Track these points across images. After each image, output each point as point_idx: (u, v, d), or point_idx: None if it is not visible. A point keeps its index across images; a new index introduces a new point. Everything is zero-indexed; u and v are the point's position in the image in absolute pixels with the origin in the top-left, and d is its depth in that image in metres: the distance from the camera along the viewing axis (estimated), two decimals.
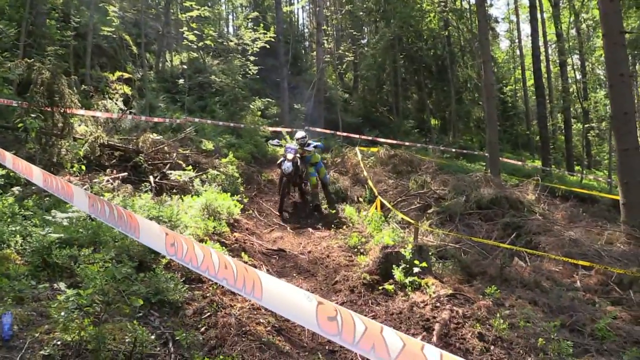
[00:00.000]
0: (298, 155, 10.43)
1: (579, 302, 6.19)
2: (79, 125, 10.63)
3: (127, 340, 3.55)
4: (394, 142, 20.71)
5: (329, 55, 28.39)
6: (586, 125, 33.33)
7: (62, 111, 8.53)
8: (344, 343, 2.22)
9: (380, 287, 5.62)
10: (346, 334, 2.18)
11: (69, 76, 9.97)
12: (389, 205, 9.65)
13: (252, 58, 20.63)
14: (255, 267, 6.12)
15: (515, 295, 6.17)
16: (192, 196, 7.98)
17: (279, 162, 10.59)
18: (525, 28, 41.62)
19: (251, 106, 19.65)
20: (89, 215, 5.51)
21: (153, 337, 3.81)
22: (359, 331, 2.13)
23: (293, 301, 2.46)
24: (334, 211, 10.36)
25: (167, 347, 3.71)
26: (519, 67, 41.20)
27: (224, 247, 6.24)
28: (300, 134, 11.24)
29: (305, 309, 2.38)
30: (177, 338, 3.65)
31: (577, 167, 30.28)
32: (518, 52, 43.39)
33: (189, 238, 3.29)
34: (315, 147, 10.84)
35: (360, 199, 11.49)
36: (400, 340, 2.00)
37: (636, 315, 5.91)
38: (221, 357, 3.31)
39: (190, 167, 9.75)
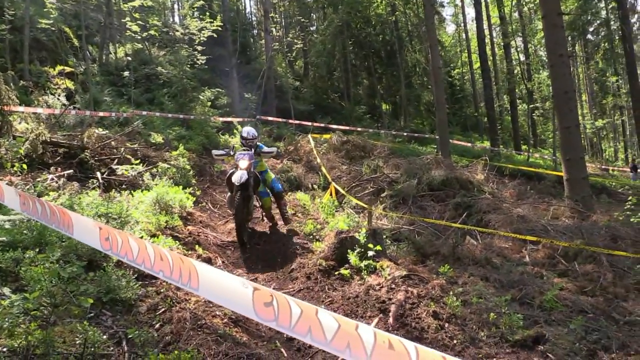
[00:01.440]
0: (253, 160, 7.68)
1: (528, 276, 6.41)
2: (19, 123, 10.21)
3: (77, 342, 3.45)
4: (347, 128, 20.83)
5: (277, 43, 28.13)
6: (531, 106, 34.35)
7: None
8: (280, 328, 2.22)
9: (336, 273, 5.65)
10: (283, 318, 2.18)
11: (5, 72, 9.55)
12: (342, 191, 9.71)
13: (199, 48, 20.19)
14: (210, 259, 6.09)
15: (467, 272, 6.33)
16: (142, 191, 7.79)
17: (227, 175, 7.80)
18: (470, 12, 42.50)
19: (200, 97, 19.28)
20: None
21: (105, 336, 3.71)
22: (295, 315, 2.13)
23: (229, 289, 2.45)
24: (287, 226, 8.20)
25: (121, 346, 3.62)
26: (466, 51, 42.10)
27: (177, 241, 6.14)
28: (248, 131, 8.10)
29: (241, 296, 2.37)
30: (131, 336, 3.56)
31: (523, 146, 31.26)
32: (464, 36, 44.33)
33: (123, 232, 3.23)
34: (266, 152, 8.14)
35: (315, 186, 11.51)
36: (335, 321, 2.02)
37: (581, 286, 6.16)
38: (176, 352, 3.26)
39: (139, 161, 9.51)
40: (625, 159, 39.19)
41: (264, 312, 2.27)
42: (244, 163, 7.48)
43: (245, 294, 2.35)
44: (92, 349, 3.43)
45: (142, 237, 5.46)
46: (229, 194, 8.01)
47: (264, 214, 8.55)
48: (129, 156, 9.91)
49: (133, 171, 8.73)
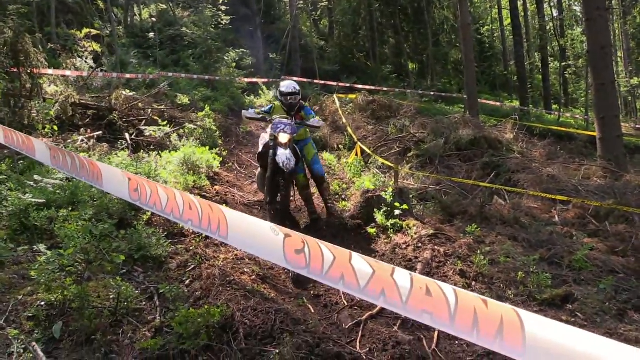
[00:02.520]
0: (295, 134, 5.94)
1: (557, 235, 6.33)
2: (49, 86, 10.32)
3: (111, 297, 3.56)
4: (373, 88, 20.56)
5: (302, 2, 27.66)
6: (563, 64, 33.35)
7: (29, 71, 8.25)
8: (312, 275, 2.16)
9: (362, 231, 5.68)
10: (314, 265, 2.11)
11: (34, 35, 9.60)
12: (368, 151, 9.65)
13: (223, 8, 20.03)
14: None
15: (495, 232, 6.28)
16: (170, 152, 7.87)
17: (261, 149, 6.03)
18: None
19: (225, 58, 19.22)
20: (67, 178, 5.43)
21: (138, 292, 3.82)
22: (327, 261, 2.06)
23: (260, 236, 2.38)
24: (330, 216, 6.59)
25: (153, 301, 3.73)
26: (496, 6, 40.71)
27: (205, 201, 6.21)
28: (288, 85, 6.43)
29: (272, 243, 2.29)
30: (162, 291, 3.66)
31: (554, 106, 30.48)
32: None
33: (152, 181, 3.22)
34: (313, 125, 6.28)
35: (340, 147, 11.46)
36: (369, 267, 1.94)
37: (612, 246, 6.07)
38: (206, 307, 3.33)
39: (165, 122, 9.58)
40: None
41: (295, 260, 2.20)
42: (284, 137, 5.62)
43: (276, 241, 2.27)
44: (125, 304, 3.54)
45: None
46: (259, 170, 6.39)
47: (299, 196, 6.72)
48: (156, 117, 9.97)
49: (160, 132, 8.79)
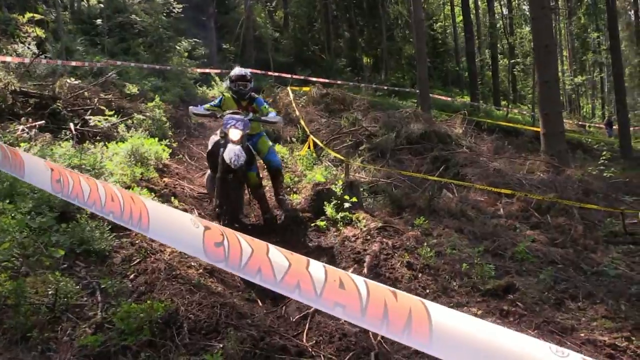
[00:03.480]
0: (248, 130, 5.53)
1: (501, 228, 6.53)
2: None
3: (49, 293, 3.43)
4: (327, 81, 20.58)
5: None
6: (512, 61, 34.32)
7: None
8: (230, 269, 2.14)
9: (312, 224, 5.68)
10: (233, 259, 2.08)
11: None
12: (320, 144, 9.67)
13: None
14: (186, 211, 6.04)
15: (442, 225, 6.42)
16: (117, 142, 7.65)
17: (210, 147, 5.68)
18: None
19: (177, 47, 18.83)
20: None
21: (79, 287, 3.70)
22: (245, 254, 2.04)
23: (180, 228, 2.32)
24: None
25: (95, 297, 3.62)
26: (449, 3, 41.45)
27: (153, 193, 6.07)
28: (238, 71, 6.02)
29: (192, 235, 2.24)
30: (104, 286, 3.56)
31: (503, 102, 31.36)
32: None
33: (75, 172, 3.08)
34: (270, 120, 5.86)
35: (293, 139, 11.44)
36: (285, 260, 1.94)
37: (552, 238, 6.31)
38: (149, 301, 3.26)
39: (113, 112, 9.30)
40: (602, 115, 39.62)
41: (214, 253, 2.16)
42: (235, 133, 5.25)
43: (196, 234, 2.22)
44: (65, 299, 3.42)
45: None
46: (209, 172, 5.98)
47: (251, 195, 6.26)
48: (103, 107, 9.67)
49: (106, 122, 8.53)
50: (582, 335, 3.88)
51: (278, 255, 1.96)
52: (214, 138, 5.72)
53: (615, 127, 28.07)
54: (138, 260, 4.18)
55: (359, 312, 1.74)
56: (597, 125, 32.56)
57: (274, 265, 1.96)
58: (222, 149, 5.29)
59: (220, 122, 5.62)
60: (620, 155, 17.53)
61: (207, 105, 6.07)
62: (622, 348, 3.67)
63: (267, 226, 5.96)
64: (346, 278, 1.79)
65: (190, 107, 5.97)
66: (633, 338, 3.79)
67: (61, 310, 3.33)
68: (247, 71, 6.09)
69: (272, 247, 2.00)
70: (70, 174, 2.89)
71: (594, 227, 6.80)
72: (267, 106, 6.14)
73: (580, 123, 32.38)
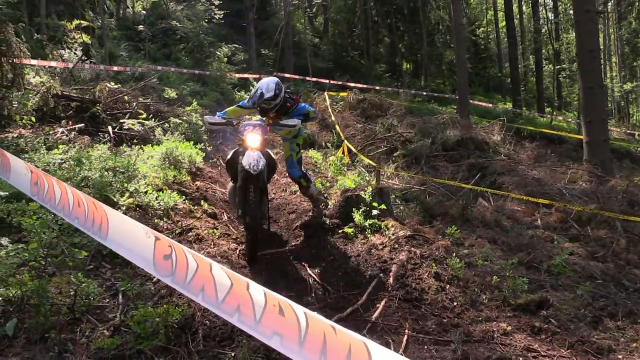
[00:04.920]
0: (267, 135, 5.21)
1: (537, 239, 6.29)
2: (34, 77, 10.18)
3: (71, 294, 3.46)
4: (365, 86, 20.47)
5: None
6: (557, 67, 33.38)
7: (10, 61, 8.12)
8: (175, 285, 2.04)
9: (340, 231, 5.59)
10: (179, 274, 2.00)
11: (17, 24, 9.48)
12: (354, 150, 9.58)
13: (216, 2, 19.91)
14: (215, 214, 6.05)
15: (475, 234, 6.23)
16: (152, 146, 7.77)
17: (230, 156, 5.40)
18: None
19: (217, 53, 19.12)
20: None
21: (102, 288, 3.72)
22: (191, 270, 1.96)
23: (134, 238, 2.26)
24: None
25: (116, 298, 3.64)
26: (492, 8, 40.73)
27: (184, 196, 6.12)
28: (263, 87, 5.30)
29: (143, 246, 2.18)
30: (123, 289, 3.57)
31: (548, 109, 30.51)
32: None
33: (49, 175, 3.06)
34: (300, 114, 5.68)
35: (328, 144, 11.38)
36: (227, 279, 1.82)
37: (592, 251, 6.02)
38: (165, 306, 3.24)
39: (150, 115, 9.45)
40: None
41: (162, 266, 2.08)
42: (254, 139, 4.94)
43: (147, 245, 2.14)
44: (87, 301, 3.45)
45: (147, 192, 5.45)
46: (231, 184, 5.70)
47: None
48: (141, 111, 9.86)
49: (140, 125, 8.67)
50: (620, 357, 3.66)
51: (221, 274, 1.86)
52: (231, 147, 5.67)
53: None
54: None
55: (297, 345, 1.61)
56: None
57: (217, 284, 1.85)
58: (240, 157, 4.97)
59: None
60: None
61: (233, 108, 5.87)
62: None
63: (293, 231, 5.91)
64: (286, 305, 1.66)
65: (205, 117, 5.51)
66: None
67: (81, 312, 3.36)
68: (272, 88, 5.26)
69: (215, 264, 1.90)
70: (46, 177, 2.88)
71: (637, 240, 6.47)
72: (307, 108, 5.86)
73: (629, 131, 31.15)
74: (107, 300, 3.63)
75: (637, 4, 34.60)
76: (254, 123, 5.16)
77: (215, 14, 19.91)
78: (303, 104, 5.87)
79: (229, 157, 5.39)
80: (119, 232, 2.37)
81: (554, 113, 28.89)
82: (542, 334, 3.97)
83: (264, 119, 5.46)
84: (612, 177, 9.01)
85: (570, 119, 28.86)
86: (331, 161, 9.24)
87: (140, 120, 8.80)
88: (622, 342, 3.97)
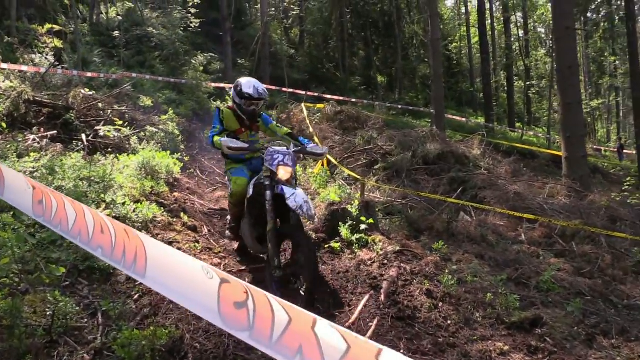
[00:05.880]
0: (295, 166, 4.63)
1: (524, 255, 6.24)
2: (3, 81, 9.79)
3: (48, 314, 3.21)
4: (341, 98, 20.43)
5: (274, 9, 27.46)
6: (527, 83, 34.08)
7: None
8: (257, 343, 1.59)
9: (326, 246, 5.43)
10: (260, 327, 1.54)
11: None
12: (335, 162, 9.45)
13: (192, 10, 19.65)
14: (195, 227, 5.83)
15: (462, 250, 6.14)
16: (128, 155, 7.50)
17: (251, 192, 4.59)
18: None
19: (193, 61, 18.84)
20: None
21: (80, 307, 3.48)
22: (279, 323, 1.49)
23: (187, 278, 1.80)
24: None
25: (96, 318, 3.40)
26: (464, 24, 41.44)
27: (162, 208, 5.88)
28: (253, 86, 4.77)
29: (202, 289, 1.71)
30: (105, 309, 3.33)
31: (518, 124, 31.06)
32: (464, 9, 43.58)
33: (59, 193, 2.62)
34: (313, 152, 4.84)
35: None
36: (343, 342, 1.35)
37: (579, 267, 6.00)
38: (152, 328, 3.03)
39: (126, 123, 9.17)
40: (618, 140, 39.15)
41: (233, 316, 1.62)
42: (286, 171, 4.31)
43: (209, 288, 1.68)
44: (65, 321, 3.20)
45: (124, 203, 5.21)
46: (245, 220, 4.78)
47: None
48: (115, 119, 9.56)
49: (116, 132, 8.39)
50: None
51: (331, 333, 1.37)
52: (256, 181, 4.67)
53: (626, 151, 27.68)
54: None
55: None
56: (612, 149, 32.11)
57: (323, 345, 1.38)
58: (268, 192, 4.28)
59: None
60: (638, 181, 17.12)
61: (216, 137, 4.71)
62: None
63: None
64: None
65: (224, 140, 4.46)
66: None
67: (59, 333, 3.12)
68: (263, 88, 4.87)
69: (321, 320, 1.42)
70: (54, 195, 2.48)
71: (622, 256, 6.48)
72: (275, 123, 5.24)
73: (595, 147, 31.92)
74: (86, 320, 3.38)
75: (602, 24, 35.65)
76: (283, 151, 4.44)
77: (191, 22, 19.63)
78: (263, 113, 5.28)
79: (251, 192, 4.55)
80: (164, 268, 1.93)
81: (524, 128, 29.39)
82: (539, 353, 3.88)
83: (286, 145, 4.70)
84: (591, 193, 9.10)
85: (540, 134, 29.42)
86: (313, 174, 9.11)
87: (116, 127, 8.51)
88: None
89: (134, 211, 5.20)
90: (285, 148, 4.56)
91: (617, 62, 40.31)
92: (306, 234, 4.57)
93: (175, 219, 5.85)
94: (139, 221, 5.13)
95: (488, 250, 6.26)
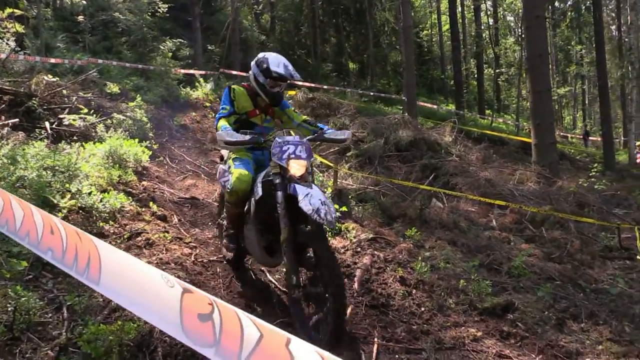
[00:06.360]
0: (312, 158, 3.83)
1: (495, 241, 6.30)
2: None
3: (9, 309, 3.08)
4: (313, 85, 20.30)
5: None
6: (497, 71, 34.48)
7: None
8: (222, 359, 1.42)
9: None
10: (227, 343, 1.38)
11: None
12: None
13: None
14: (165, 217, 5.70)
15: (434, 236, 6.16)
16: (94, 143, 7.28)
17: (260, 192, 3.75)
18: None
19: (161, 47, 18.45)
20: None
21: (44, 302, 3.34)
22: (249, 339, 1.33)
23: (146, 286, 1.64)
24: None
25: (60, 313, 3.27)
26: (435, 12, 41.58)
27: (130, 197, 5.73)
28: (282, 64, 4.08)
29: (163, 299, 1.54)
30: (70, 303, 3.21)
31: (487, 111, 31.44)
32: None
33: (5, 192, 2.48)
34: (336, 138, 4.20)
35: None
36: (318, 357, 1.21)
37: (548, 252, 6.09)
38: (119, 322, 2.93)
39: (92, 111, 8.90)
40: (584, 127, 40.07)
41: (198, 330, 1.45)
42: (299, 165, 3.53)
43: (170, 298, 1.51)
44: (27, 317, 3.07)
45: (91, 193, 5.05)
46: (248, 227, 3.97)
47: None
48: (81, 106, 9.28)
49: (82, 121, 8.14)
50: None
51: (304, 349, 1.24)
52: (222, 169, 4.25)
53: (591, 138, 28.36)
54: None
55: None
56: (578, 136, 32.85)
57: None
58: (279, 193, 3.53)
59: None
60: (604, 168, 17.54)
61: (222, 120, 3.98)
62: None
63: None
64: None
65: (220, 133, 3.71)
66: None
67: (21, 330, 2.99)
68: (292, 66, 4.14)
69: (295, 338, 1.29)
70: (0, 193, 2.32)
71: (590, 241, 6.60)
72: (293, 109, 4.49)
73: (562, 134, 32.58)
74: (50, 315, 3.25)
75: (569, 13, 36.24)
76: (294, 140, 3.67)
77: (159, 7, 19.20)
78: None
79: (259, 191, 3.74)
80: (120, 276, 1.76)
81: (494, 115, 29.78)
82: (512, 338, 3.91)
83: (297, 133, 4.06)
84: (559, 179, 9.24)
85: (509, 121, 29.87)
86: None
87: (81, 115, 8.26)
88: (588, 344, 3.96)
89: (100, 201, 5.05)
90: (297, 137, 3.76)
91: (584, 51, 41.13)
92: (329, 244, 3.84)
93: (143, 209, 5.70)
94: (106, 211, 4.98)
95: (460, 236, 6.29)
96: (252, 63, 4.18)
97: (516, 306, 4.37)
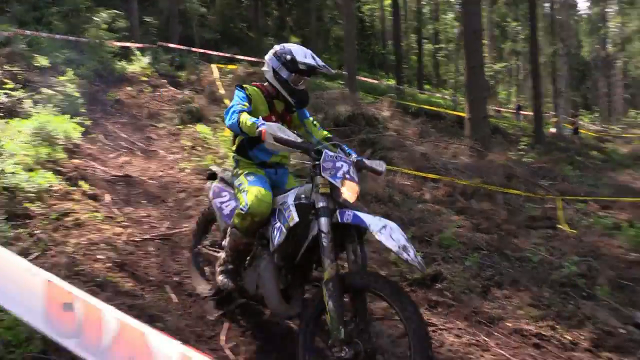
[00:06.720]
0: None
1: (428, 213, 6.52)
2: None
3: None
4: (254, 59, 20.02)
5: None
6: (436, 46, 35.09)
7: None
8: (84, 350, 1.46)
9: None
10: (90, 334, 1.42)
11: None
12: None
13: None
14: (96, 196, 5.56)
15: (370, 210, 6.29)
16: (21, 119, 6.96)
17: (297, 218, 2.91)
18: None
19: (95, 18, 17.64)
20: None
21: None
22: (108, 331, 1.38)
23: (8, 274, 1.62)
24: None
25: None
26: None
27: (60, 176, 5.55)
28: (311, 59, 3.29)
29: (26, 287, 1.53)
30: None
31: (427, 86, 32.02)
32: None
33: None
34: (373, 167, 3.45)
35: (217, 119, 10.96)
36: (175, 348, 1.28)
37: (477, 223, 6.37)
38: None
39: (20, 85, 8.49)
40: (517, 102, 41.54)
41: (60, 319, 1.47)
42: (353, 190, 2.84)
43: (33, 286, 1.51)
44: None
45: (14, 173, 4.85)
46: (266, 258, 3.16)
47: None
48: (6, 80, 8.82)
49: (6, 96, 7.76)
50: (509, 325, 3.87)
51: (163, 341, 1.28)
52: (216, 189, 3.66)
53: (522, 112, 29.48)
54: (37, 254, 3.72)
55: None
56: (511, 110, 34.01)
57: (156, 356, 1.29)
58: (323, 219, 2.80)
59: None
60: (534, 141, 18.30)
61: (244, 114, 3.16)
62: (547, 337, 3.68)
63: (184, 212, 5.61)
64: None
65: (270, 125, 2.89)
66: (557, 327, 3.81)
67: None
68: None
69: (153, 331, 1.33)
70: None
71: (516, 211, 6.93)
72: (312, 120, 3.68)
73: (496, 108, 33.65)
74: None
75: None
76: (344, 159, 2.95)
77: None
78: None
79: (295, 217, 2.94)
80: None
81: (433, 90, 30.40)
82: (439, 307, 4.11)
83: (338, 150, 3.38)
84: (491, 152, 9.60)
85: (446, 96, 30.57)
86: (224, 136, 8.93)
87: (6, 91, 7.86)
88: (510, 310, 4.20)
89: (26, 180, 4.86)
90: (343, 157, 2.99)
91: (519, 28, 42.37)
92: (403, 289, 3.20)
93: (74, 188, 5.53)
94: (33, 191, 4.81)
95: (394, 209, 6.47)
96: (268, 57, 3.49)
97: (444, 276, 4.58)
